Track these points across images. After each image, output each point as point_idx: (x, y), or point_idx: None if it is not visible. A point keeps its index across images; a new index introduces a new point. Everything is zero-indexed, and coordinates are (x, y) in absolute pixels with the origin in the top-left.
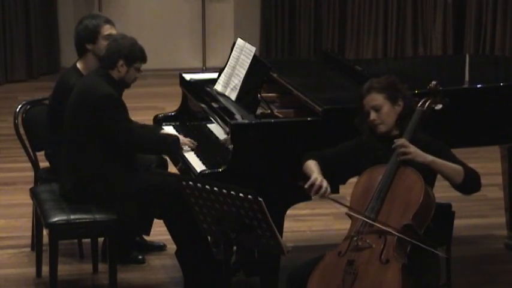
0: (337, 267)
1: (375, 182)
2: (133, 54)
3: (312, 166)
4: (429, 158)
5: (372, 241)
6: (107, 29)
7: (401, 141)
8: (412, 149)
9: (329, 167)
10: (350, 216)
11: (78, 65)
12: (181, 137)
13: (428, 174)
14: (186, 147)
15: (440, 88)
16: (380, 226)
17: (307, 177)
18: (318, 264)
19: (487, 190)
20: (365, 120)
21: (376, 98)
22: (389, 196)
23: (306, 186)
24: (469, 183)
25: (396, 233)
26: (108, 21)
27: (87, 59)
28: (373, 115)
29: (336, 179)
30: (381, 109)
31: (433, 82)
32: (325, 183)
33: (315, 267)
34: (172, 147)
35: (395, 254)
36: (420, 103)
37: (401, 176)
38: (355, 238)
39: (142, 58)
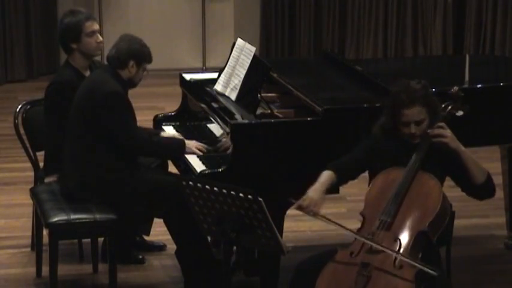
0: (350, 268)
1: (391, 184)
2: (143, 55)
3: (318, 180)
4: (462, 147)
5: (386, 244)
6: (89, 26)
7: (442, 124)
8: (450, 133)
9: (347, 173)
10: (364, 217)
11: (70, 61)
12: (189, 143)
13: (440, 180)
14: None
15: (462, 94)
16: (377, 246)
17: None
18: (328, 262)
19: None
20: (398, 128)
21: (421, 112)
22: (407, 201)
23: (293, 207)
24: (489, 185)
25: (397, 255)
26: (89, 18)
27: (74, 57)
28: (414, 128)
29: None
30: (423, 123)
31: (455, 87)
32: (311, 205)
33: (325, 265)
34: (177, 152)
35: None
36: (441, 108)
37: (420, 181)
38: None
39: (150, 59)
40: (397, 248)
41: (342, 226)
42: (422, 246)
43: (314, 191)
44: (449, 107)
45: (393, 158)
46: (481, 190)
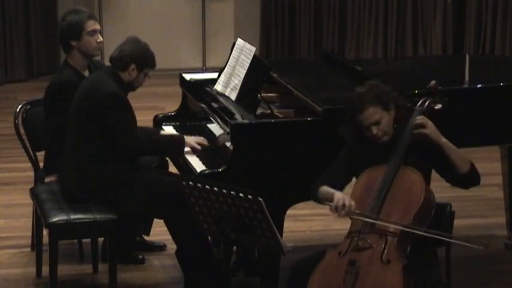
0: (338, 267)
1: (374, 182)
2: (146, 60)
3: (329, 189)
4: (443, 139)
5: (372, 241)
6: (91, 25)
7: (422, 117)
8: (430, 124)
9: (337, 186)
10: (350, 217)
11: (69, 61)
12: (188, 139)
13: (425, 172)
14: (190, 149)
15: (440, 88)
16: (396, 226)
17: (329, 201)
18: (318, 264)
19: (487, 190)
20: (362, 133)
21: (375, 112)
22: (390, 196)
23: (331, 209)
24: (474, 174)
25: (405, 228)
26: (91, 17)
27: (73, 56)
28: (375, 130)
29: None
30: (382, 121)
31: (433, 81)
32: (347, 201)
33: (316, 267)
34: (177, 148)
35: (396, 254)
36: (419, 103)
37: (402, 176)
38: (356, 238)
39: (153, 64)
40: (384, 244)
41: (374, 218)
42: (409, 240)
43: (339, 193)
44: (428, 101)
45: (373, 160)
46: (465, 179)
